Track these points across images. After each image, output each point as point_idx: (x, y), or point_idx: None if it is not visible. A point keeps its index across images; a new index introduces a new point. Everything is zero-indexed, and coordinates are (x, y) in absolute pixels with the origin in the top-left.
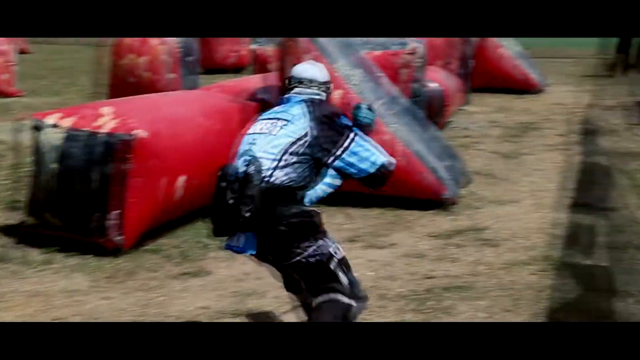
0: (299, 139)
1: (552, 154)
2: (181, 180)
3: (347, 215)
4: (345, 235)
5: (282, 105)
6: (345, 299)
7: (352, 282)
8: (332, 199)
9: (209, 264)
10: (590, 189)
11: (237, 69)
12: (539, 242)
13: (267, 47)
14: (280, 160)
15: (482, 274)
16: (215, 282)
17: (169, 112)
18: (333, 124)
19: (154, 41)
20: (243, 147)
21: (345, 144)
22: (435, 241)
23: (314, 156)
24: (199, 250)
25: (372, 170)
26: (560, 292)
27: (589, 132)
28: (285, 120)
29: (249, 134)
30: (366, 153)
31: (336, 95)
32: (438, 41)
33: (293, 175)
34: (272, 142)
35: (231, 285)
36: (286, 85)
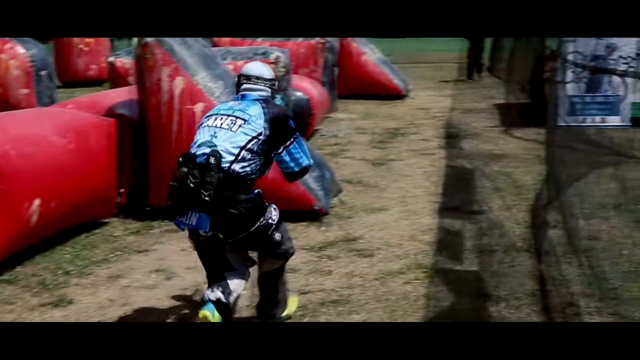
0: (255, 137)
1: (419, 159)
2: (36, 203)
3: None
4: None
5: (239, 103)
6: (282, 262)
7: (283, 238)
8: None
9: (71, 292)
10: (457, 192)
11: (97, 81)
12: (411, 249)
13: (125, 59)
14: (238, 155)
15: (357, 286)
16: (78, 312)
17: (19, 131)
18: (284, 125)
19: (3, 55)
20: (204, 137)
21: (287, 144)
22: (308, 254)
23: (266, 151)
24: (60, 277)
25: (296, 169)
26: (434, 300)
27: (452, 136)
28: (243, 119)
29: (209, 126)
30: (297, 155)
31: (199, 108)
32: (301, 50)
33: (247, 168)
34: (231, 138)
35: (95, 314)
36: (236, 82)
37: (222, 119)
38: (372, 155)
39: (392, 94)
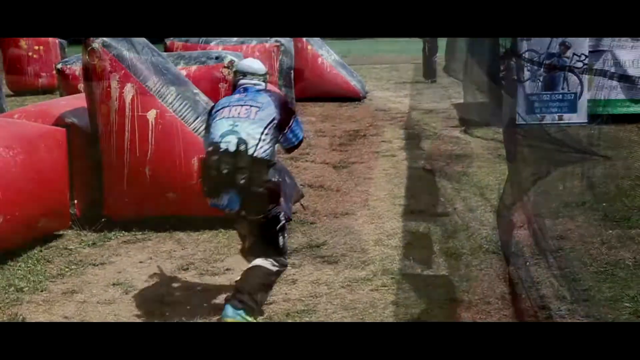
0: (270, 122)
1: (381, 161)
2: None
3: (177, 241)
4: (178, 263)
5: (245, 94)
6: (273, 268)
7: (284, 248)
8: (160, 225)
9: (23, 310)
10: (421, 195)
11: (49, 90)
12: (377, 255)
13: (74, 66)
14: (260, 139)
15: (323, 295)
16: None
17: None
18: (288, 110)
19: None
20: (223, 128)
21: (290, 124)
22: None
23: (277, 134)
24: (11, 295)
25: (295, 142)
26: (404, 307)
27: (413, 137)
28: (257, 107)
29: (226, 117)
30: (297, 131)
31: (151, 115)
32: (255, 53)
33: (268, 150)
34: (252, 125)
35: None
36: (234, 77)
37: (237, 109)
38: (333, 158)
39: (351, 96)
